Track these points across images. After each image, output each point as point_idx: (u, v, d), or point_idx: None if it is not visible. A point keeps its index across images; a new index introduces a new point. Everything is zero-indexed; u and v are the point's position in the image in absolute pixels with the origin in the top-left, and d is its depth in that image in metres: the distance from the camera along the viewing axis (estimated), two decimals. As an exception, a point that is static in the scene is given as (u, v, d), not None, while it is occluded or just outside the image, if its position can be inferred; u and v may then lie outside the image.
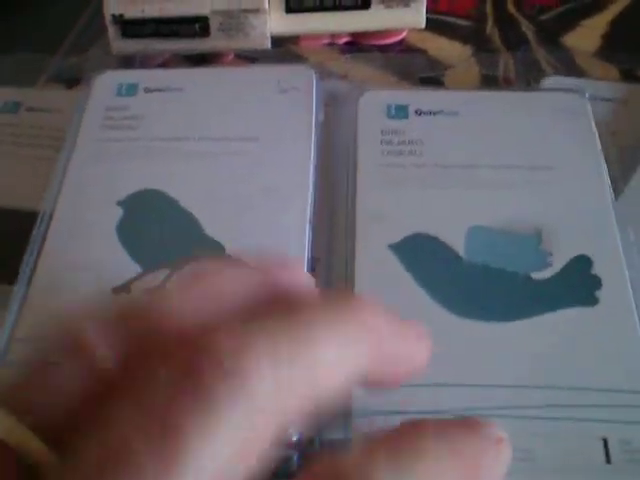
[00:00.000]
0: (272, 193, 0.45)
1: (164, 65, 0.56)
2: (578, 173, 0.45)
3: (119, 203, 0.45)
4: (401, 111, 0.49)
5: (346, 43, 0.58)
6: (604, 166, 0.45)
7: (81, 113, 0.49)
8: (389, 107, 0.49)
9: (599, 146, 0.46)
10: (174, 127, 0.48)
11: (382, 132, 0.48)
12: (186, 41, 0.54)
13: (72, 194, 0.45)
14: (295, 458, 0.37)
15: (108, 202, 0.45)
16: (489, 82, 0.55)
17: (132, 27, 0.53)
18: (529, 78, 0.54)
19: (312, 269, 0.42)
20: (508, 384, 0.38)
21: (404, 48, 0.58)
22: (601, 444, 0.36)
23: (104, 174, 0.46)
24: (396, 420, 0.36)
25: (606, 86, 0.53)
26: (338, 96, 0.51)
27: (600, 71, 0.55)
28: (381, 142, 0.47)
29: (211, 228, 0.44)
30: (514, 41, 0.58)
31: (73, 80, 0.56)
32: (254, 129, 0.48)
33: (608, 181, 0.45)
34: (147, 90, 0.50)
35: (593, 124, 0.47)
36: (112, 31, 0.54)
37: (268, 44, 0.55)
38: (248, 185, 0.45)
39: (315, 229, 0.43)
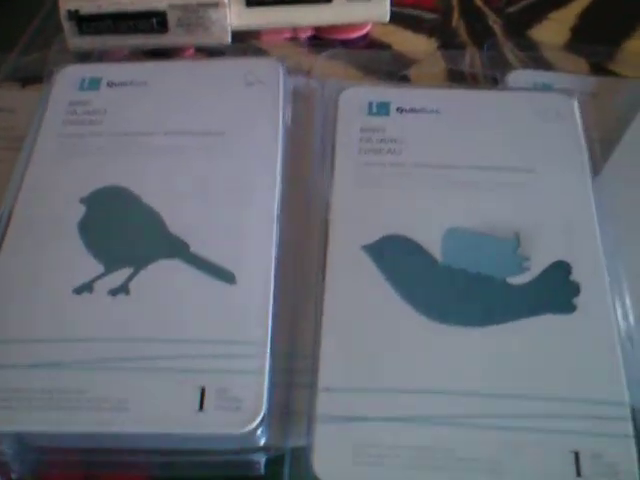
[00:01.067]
0: (238, 189, 0.44)
1: (122, 61, 0.56)
2: (560, 177, 0.45)
3: (82, 200, 0.44)
4: (383, 108, 0.48)
5: (309, 37, 0.57)
6: (588, 170, 0.45)
7: (43, 108, 0.49)
8: (370, 104, 0.48)
9: (585, 150, 0.46)
10: (138, 121, 0.48)
11: (361, 130, 0.47)
12: (144, 36, 0.53)
13: (33, 191, 0.45)
14: (262, 462, 0.38)
15: (70, 199, 0.44)
16: (455, 77, 0.54)
17: (88, 23, 0.53)
18: (496, 72, 0.53)
19: (277, 269, 0.42)
20: (478, 392, 0.38)
21: (369, 42, 0.58)
22: (572, 457, 0.36)
23: (66, 170, 0.46)
24: (360, 427, 0.37)
25: (575, 79, 0.53)
26: (305, 92, 0.51)
27: (569, 64, 0.55)
28: (360, 140, 0.47)
29: (175, 226, 0.43)
30: (481, 34, 0.58)
31: (28, 79, 0.55)
32: (220, 123, 0.47)
33: (590, 187, 0.44)
34: (110, 84, 0.50)
35: (580, 127, 0.47)
36: (68, 28, 0.53)
37: (228, 39, 0.54)
38: (213, 181, 0.45)
39: (284, 228, 0.43)
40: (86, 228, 0.43)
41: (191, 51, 0.56)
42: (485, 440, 0.36)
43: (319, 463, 0.36)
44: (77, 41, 0.53)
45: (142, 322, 0.40)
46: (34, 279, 0.41)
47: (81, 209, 0.44)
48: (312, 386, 0.38)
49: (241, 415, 0.37)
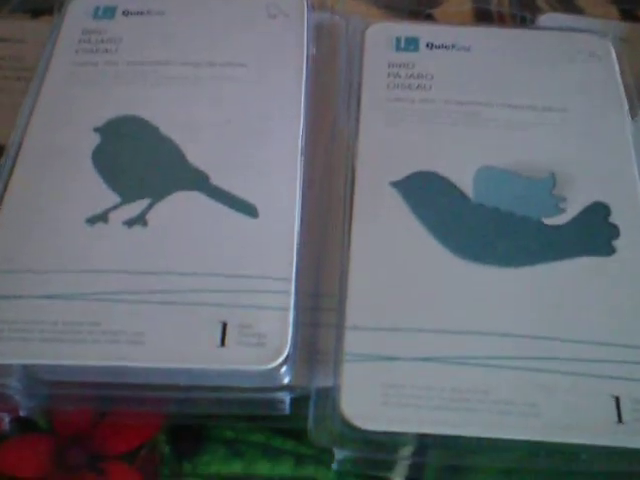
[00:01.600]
0: (261, 122, 0.42)
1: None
2: (596, 117, 0.44)
3: (96, 129, 0.42)
4: (411, 44, 0.47)
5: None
6: (625, 111, 0.44)
7: (55, 37, 0.47)
8: (398, 40, 0.47)
9: (622, 91, 0.45)
10: (155, 51, 0.46)
11: (389, 65, 0.46)
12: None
13: (44, 120, 0.43)
14: (287, 401, 0.36)
15: (83, 128, 0.42)
16: (482, 17, 0.53)
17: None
18: (525, 14, 0.52)
19: (302, 202, 0.40)
20: (513, 333, 0.36)
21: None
22: (613, 402, 0.35)
23: (79, 99, 0.44)
24: (389, 366, 0.35)
25: (605, 24, 0.51)
26: (329, 28, 0.49)
27: (598, 10, 0.54)
28: (388, 75, 0.45)
29: (194, 156, 0.41)
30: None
31: (39, 10, 0.54)
32: (241, 54, 0.45)
33: (630, 128, 0.43)
34: (126, 13, 0.48)
35: (617, 68, 0.46)
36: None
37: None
38: (235, 113, 0.43)
39: (309, 163, 0.42)
40: (101, 158, 0.41)
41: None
42: (520, 382, 0.35)
43: (347, 403, 0.35)
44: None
45: (160, 254, 0.38)
46: (45, 208, 0.40)
47: (95, 139, 0.42)
48: (339, 325, 0.37)
49: (265, 351, 0.35)
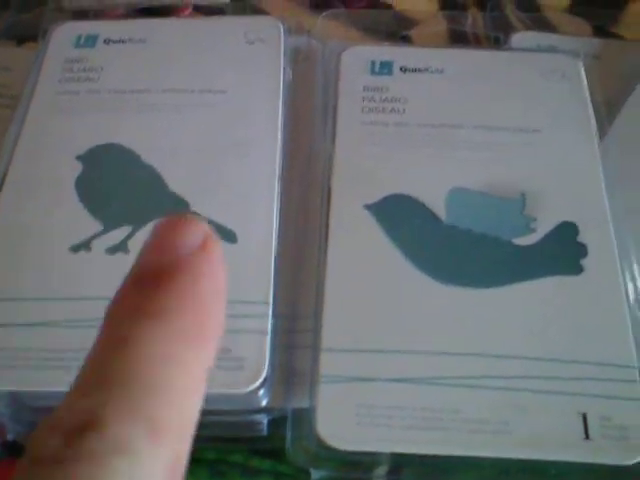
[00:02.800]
0: (239, 148, 0.43)
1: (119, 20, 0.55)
2: (567, 137, 0.44)
3: (78, 157, 0.43)
4: (385, 67, 0.48)
5: (311, -3, 0.57)
6: (594, 130, 0.45)
7: (39, 65, 0.48)
8: (373, 63, 0.48)
9: (591, 111, 0.45)
10: (136, 79, 0.47)
11: (364, 89, 0.47)
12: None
13: (29, 148, 0.44)
14: (265, 423, 0.37)
15: (67, 157, 0.43)
16: (457, 38, 0.54)
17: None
18: (498, 34, 0.53)
19: (279, 226, 0.41)
20: (485, 353, 0.37)
21: (370, 3, 0.57)
22: (580, 419, 0.36)
23: (62, 127, 0.45)
24: (364, 387, 0.36)
25: (578, 42, 0.52)
26: (306, 51, 0.50)
27: (572, 27, 0.54)
28: (363, 99, 0.46)
29: (175, 184, 0.42)
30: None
31: (24, 37, 0.55)
32: (220, 81, 0.46)
33: (597, 148, 0.44)
34: (107, 41, 0.49)
35: (586, 88, 0.46)
36: (63, -14, 0.52)
37: (227, -1, 0.53)
38: (214, 139, 0.44)
39: (286, 187, 0.43)
40: (83, 186, 0.42)
41: (189, 10, 0.56)
42: (491, 401, 0.36)
43: (322, 424, 0.36)
44: (72, 0, 0.53)
45: None
46: (30, 237, 0.41)
47: (78, 167, 0.43)
48: (315, 347, 0.38)
49: (243, 374, 0.36)
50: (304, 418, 0.36)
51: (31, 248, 0.40)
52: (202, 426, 0.34)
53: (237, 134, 0.44)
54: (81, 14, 0.54)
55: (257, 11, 0.55)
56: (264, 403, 0.37)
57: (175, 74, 0.47)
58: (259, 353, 0.37)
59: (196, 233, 0.28)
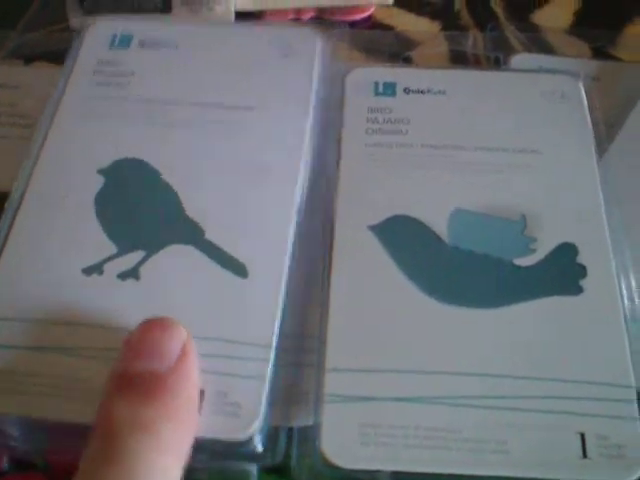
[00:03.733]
0: (261, 174, 0.43)
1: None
2: (567, 158, 0.45)
3: (99, 171, 0.44)
4: (389, 88, 0.49)
5: (312, 19, 0.58)
6: (594, 152, 0.46)
7: (71, 65, 0.48)
8: (377, 84, 0.49)
9: (591, 132, 0.46)
10: (165, 89, 0.47)
11: (369, 110, 0.48)
12: (148, 17, 0.54)
13: (53, 156, 0.44)
14: (255, 471, 0.38)
15: (89, 169, 0.44)
16: (458, 59, 0.55)
17: (92, 1, 0.53)
18: (498, 55, 0.54)
19: (293, 260, 0.41)
20: (484, 373, 0.38)
21: (372, 25, 0.58)
22: (578, 438, 0.37)
23: (88, 136, 0.45)
24: (367, 406, 0.38)
25: (577, 63, 0.53)
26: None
27: (571, 48, 0.55)
28: (367, 120, 0.47)
29: (192, 208, 0.42)
30: (483, 17, 0.58)
31: (32, 56, 0.56)
32: (250, 97, 0.47)
33: (597, 169, 0.45)
34: (142, 43, 0.49)
35: (586, 108, 0.47)
36: (70, 6, 0.54)
37: (232, 19, 0.55)
38: (237, 162, 0.44)
39: (305, 219, 0.43)
40: (102, 204, 0.42)
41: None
42: (491, 420, 0.37)
43: (327, 442, 0.37)
44: (80, 20, 0.54)
45: (148, 311, 0.37)
46: (45, 253, 0.41)
47: (99, 181, 0.43)
48: (319, 366, 0.39)
49: (237, 422, 0.36)
50: (309, 436, 0.37)
51: (45, 266, 0.41)
52: (192, 470, 0.35)
53: (260, 159, 0.44)
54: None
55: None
56: (258, 450, 0.37)
57: (205, 86, 0.47)
58: (255, 400, 0.37)
59: (177, 339, 0.33)
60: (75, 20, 0.55)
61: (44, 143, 0.45)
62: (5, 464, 0.39)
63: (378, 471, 0.37)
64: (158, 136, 0.45)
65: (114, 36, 0.50)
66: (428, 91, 0.48)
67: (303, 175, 0.44)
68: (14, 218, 0.42)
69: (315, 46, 0.49)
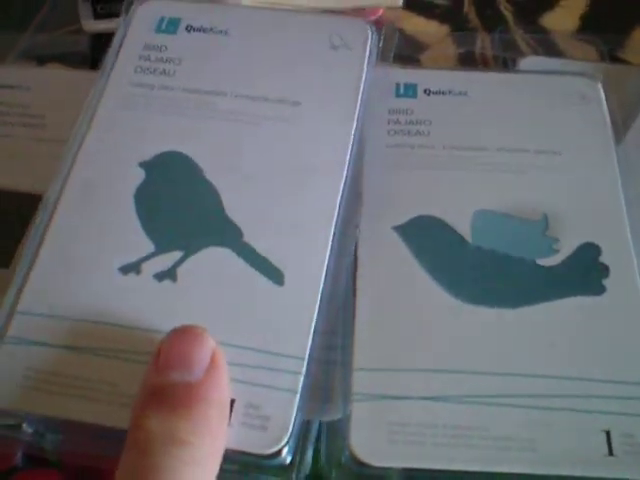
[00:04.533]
0: (303, 175, 0.43)
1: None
2: (588, 159, 0.46)
3: (141, 164, 0.43)
4: (410, 90, 0.49)
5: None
6: (614, 153, 0.46)
7: (116, 49, 0.47)
8: (398, 85, 0.50)
9: (610, 132, 0.47)
10: (211, 79, 0.46)
11: (390, 111, 0.48)
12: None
13: (95, 146, 0.44)
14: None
15: (131, 161, 0.43)
16: (466, 62, 0.56)
17: (103, 4, 0.54)
18: (507, 58, 0.55)
19: (329, 267, 0.41)
20: (510, 372, 0.39)
21: (381, 27, 0.59)
22: (604, 436, 0.37)
23: (131, 126, 0.44)
24: (395, 405, 0.38)
25: (584, 66, 0.54)
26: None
27: (578, 52, 0.56)
28: (388, 122, 0.48)
29: (232, 207, 0.42)
30: (492, 21, 0.59)
31: (44, 57, 0.57)
32: (297, 91, 0.46)
33: (617, 168, 0.46)
34: (189, 28, 0.49)
35: (606, 110, 0.48)
36: (83, 8, 0.55)
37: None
38: (280, 161, 0.43)
39: (344, 226, 0.42)
40: (142, 199, 0.42)
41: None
42: (518, 419, 0.38)
43: (356, 441, 0.37)
44: (91, 22, 0.55)
45: (182, 316, 0.38)
46: (83, 249, 0.41)
47: (141, 174, 0.43)
48: (347, 366, 0.39)
49: (266, 435, 0.36)
50: (338, 434, 0.38)
51: (82, 262, 0.40)
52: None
53: (304, 158, 0.43)
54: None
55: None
56: (287, 462, 0.36)
57: (252, 77, 0.47)
58: (286, 414, 0.36)
59: (207, 348, 0.34)
60: (86, 23, 0.55)
61: (87, 132, 0.44)
62: (18, 459, 0.39)
63: (389, 468, 0.37)
64: (202, 129, 0.44)
65: (161, 19, 0.49)
66: (449, 92, 0.49)
67: (345, 177, 0.43)
68: (53, 212, 0.42)
69: (367, 40, 0.48)
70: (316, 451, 0.38)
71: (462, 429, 0.38)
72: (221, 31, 0.48)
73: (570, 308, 0.41)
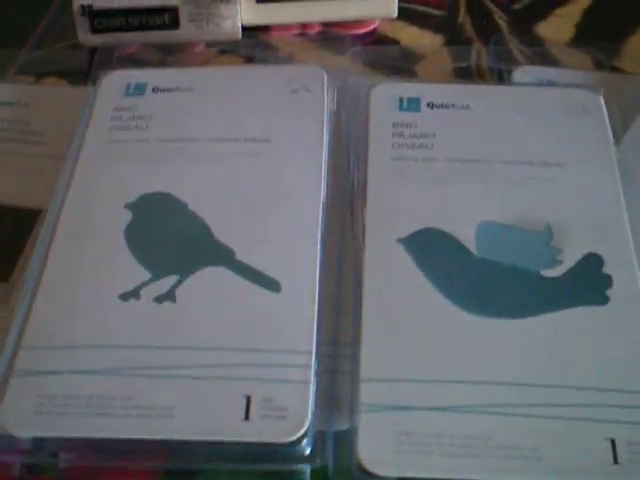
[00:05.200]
0: (283, 197, 0.45)
1: (134, 54, 0.58)
2: (590, 171, 0.47)
3: (127, 206, 0.45)
4: (413, 103, 0.50)
5: (317, 33, 0.60)
6: (616, 164, 0.47)
7: (88, 113, 0.50)
8: (401, 99, 0.50)
9: (612, 144, 0.48)
10: (183, 128, 0.49)
11: (394, 125, 0.49)
12: (156, 33, 0.56)
13: (80, 196, 0.46)
14: (308, 473, 0.39)
15: (117, 205, 0.46)
16: (462, 73, 0.57)
17: (101, 19, 0.55)
18: (502, 68, 0.55)
19: (322, 272, 0.43)
20: (515, 382, 0.40)
21: (376, 38, 0.60)
22: (609, 444, 0.38)
23: (112, 176, 0.47)
24: (402, 416, 0.39)
25: (580, 75, 0.55)
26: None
27: (574, 61, 0.57)
28: (392, 135, 0.49)
29: (221, 233, 0.44)
30: (486, 31, 0.60)
31: (42, 73, 0.57)
32: (265, 130, 0.48)
33: (619, 179, 0.47)
34: (156, 90, 0.51)
35: (607, 121, 0.49)
36: (80, 23, 0.55)
37: (239, 34, 0.56)
38: (259, 189, 0.46)
39: (329, 236, 0.44)
40: (133, 234, 0.44)
41: (201, 46, 0.58)
42: (523, 428, 0.38)
43: (363, 451, 0.38)
44: (89, 37, 0.56)
45: (188, 330, 0.41)
46: (81, 285, 0.43)
47: (127, 215, 0.45)
48: (354, 376, 0.40)
49: (286, 424, 0.38)
50: (345, 443, 0.39)
51: (82, 296, 0.42)
52: (245, 474, 0.37)
53: (281, 185, 0.46)
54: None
55: (267, 47, 0.59)
56: (307, 452, 0.38)
57: (221, 123, 0.49)
58: (302, 403, 0.38)
59: None
60: (84, 37, 0.56)
61: (69, 185, 0.47)
62: (17, 469, 0.40)
63: (397, 478, 0.38)
64: (180, 171, 0.47)
65: (128, 85, 0.52)
66: (452, 106, 0.50)
67: (323, 194, 0.46)
68: (46, 257, 0.44)
69: (323, 81, 0.51)
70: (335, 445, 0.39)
71: (468, 439, 0.38)
72: (187, 89, 0.51)
73: (574, 318, 0.41)
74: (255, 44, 0.58)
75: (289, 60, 0.57)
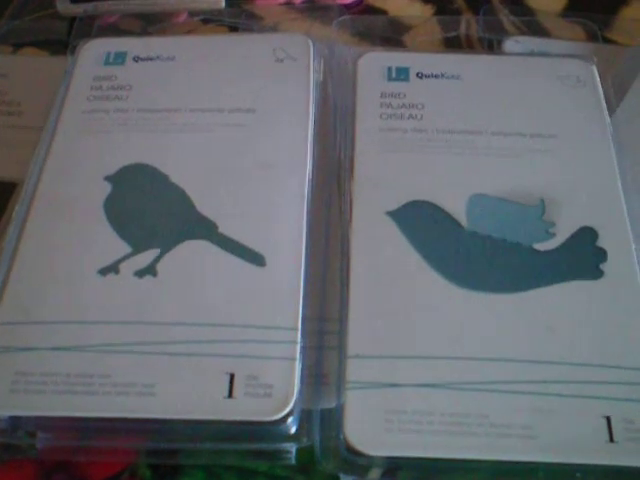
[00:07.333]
0: (268, 168, 0.45)
1: (114, 24, 0.57)
2: (584, 142, 0.46)
3: (107, 178, 0.45)
4: (402, 73, 0.50)
5: (303, 2, 0.59)
6: (610, 135, 0.47)
7: (67, 83, 0.49)
8: (390, 69, 0.50)
9: (606, 115, 0.48)
10: (165, 98, 0.49)
11: (382, 95, 0.48)
12: (136, 1, 0.55)
13: (57, 168, 0.45)
14: (293, 452, 0.39)
15: (95, 177, 0.45)
16: (451, 43, 0.56)
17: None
18: (492, 39, 0.55)
19: (308, 246, 0.42)
20: (508, 358, 0.39)
21: (364, 8, 0.59)
22: (604, 422, 0.38)
23: (91, 147, 0.46)
24: (391, 393, 0.38)
25: (571, 46, 0.54)
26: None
27: (565, 32, 0.56)
28: (380, 105, 0.48)
29: (203, 205, 0.44)
30: (477, 1, 0.59)
31: (20, 43, 0.57)
32: (250, 100, 0.48)
33: (614, 151, 0.46)
34: (136, 59, 0.51)
35: (601, 92, 0.49)
36: (58, -7, 0.54)
37: (222, 3, 0.56)
38: (243, 159, 0.45)
39: (314, 204, 0.44)
40: (112, 207, 0.44)
41: (184, 16, 0.57)
42: (517, 405, 0.38)
43: (350, 429, 0.37)
44: (68, 6, 0.55)
45: (169, 305, 0.40)
46: (59, 259, 0.42)
47: (107, 188, 0.44)
48: (341, 353, 0.39)
49: (271, 402, 0.38)
50: (332, 422, 0.38)
51: (60, 271, 0.42)
52: (229, 453, 0.36)
53: (266, 155, 0.45)
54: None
55: (252, 16, 0.57)
56: (292, 431, 0.38)
57: (204, 93, 0.49)
58: (288, 380, 0.38)
59: None
60: (62, 6, 0.55)
61: (47, 157, 0.46)
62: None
63: (373, 456, 0.37)
64: (162, 142, 0.46)
65: (108, 54, 0.51)
66: (442, 75, 0.49)
67: (309, 166, 0.45)
68: (22, 229, 0.43)
69: (309, 50, 0.50)
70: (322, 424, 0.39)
71: (460, 416, 0.38)
72: (168, 57, 0.51)
73: (568, 293, 0.41)
74: (239, 13, 0.57)
75: (274, 30, 0.56)
